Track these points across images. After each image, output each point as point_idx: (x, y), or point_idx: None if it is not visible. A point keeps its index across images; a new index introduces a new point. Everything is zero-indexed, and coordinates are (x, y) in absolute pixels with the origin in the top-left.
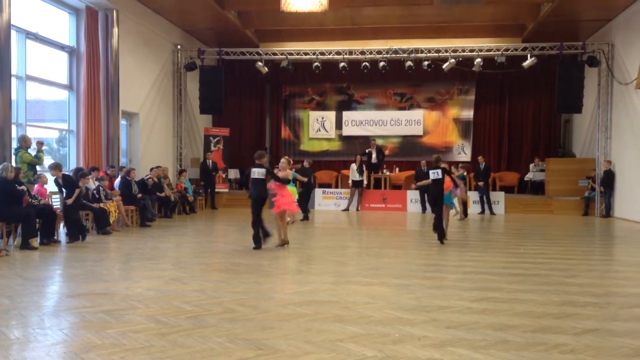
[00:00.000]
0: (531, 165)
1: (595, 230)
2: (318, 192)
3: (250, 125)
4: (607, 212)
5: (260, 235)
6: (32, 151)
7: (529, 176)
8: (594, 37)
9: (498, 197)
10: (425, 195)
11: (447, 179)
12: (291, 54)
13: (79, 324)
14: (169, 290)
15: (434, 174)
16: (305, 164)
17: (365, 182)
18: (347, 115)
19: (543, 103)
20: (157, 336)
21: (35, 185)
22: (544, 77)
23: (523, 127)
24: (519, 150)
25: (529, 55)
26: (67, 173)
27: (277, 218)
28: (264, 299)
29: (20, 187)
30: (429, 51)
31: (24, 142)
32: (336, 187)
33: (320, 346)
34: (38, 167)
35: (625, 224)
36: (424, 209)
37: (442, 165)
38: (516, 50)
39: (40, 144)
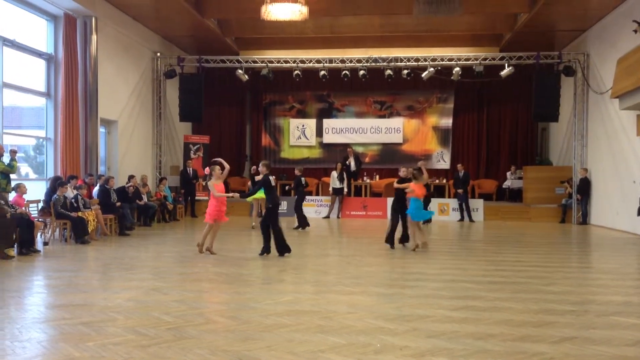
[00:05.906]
0: (508, 174)
1: (572, 238)
2: None
3: (231, 133)
4: (584, 220)
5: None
6: (6, 159)
7: (507, 184)
8: (570, 47)
9: (477, 205)
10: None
11: (418, 186)
12: (271, 62)
13: (57, 337)
14: (148, 301)
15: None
16: (296, 171)
17: (345, 189)
18: (327, 122)
19: (520, 111)
20: (137, 348)
21: (14, 195)
22: (521, 86)
23: (501, 135)
24: (497, 158)
25: (506, 65)
26: None
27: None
28: (245, 310)
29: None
30: (408, 60)
31: None
32: (317, 194)
33: (302, 357)
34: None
35: (602, 231)
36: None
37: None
38: (494, 59)
39: (13, 152)
